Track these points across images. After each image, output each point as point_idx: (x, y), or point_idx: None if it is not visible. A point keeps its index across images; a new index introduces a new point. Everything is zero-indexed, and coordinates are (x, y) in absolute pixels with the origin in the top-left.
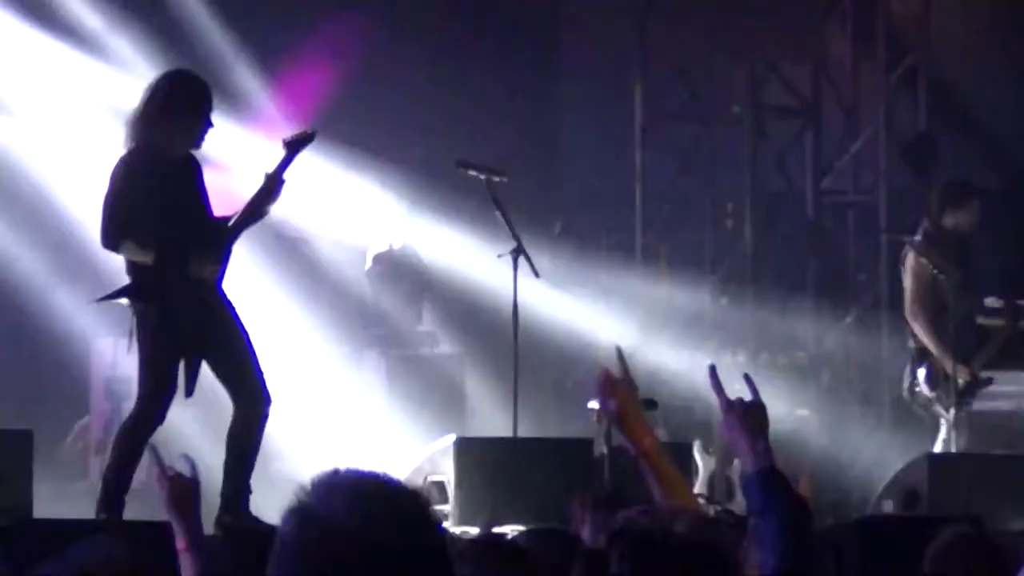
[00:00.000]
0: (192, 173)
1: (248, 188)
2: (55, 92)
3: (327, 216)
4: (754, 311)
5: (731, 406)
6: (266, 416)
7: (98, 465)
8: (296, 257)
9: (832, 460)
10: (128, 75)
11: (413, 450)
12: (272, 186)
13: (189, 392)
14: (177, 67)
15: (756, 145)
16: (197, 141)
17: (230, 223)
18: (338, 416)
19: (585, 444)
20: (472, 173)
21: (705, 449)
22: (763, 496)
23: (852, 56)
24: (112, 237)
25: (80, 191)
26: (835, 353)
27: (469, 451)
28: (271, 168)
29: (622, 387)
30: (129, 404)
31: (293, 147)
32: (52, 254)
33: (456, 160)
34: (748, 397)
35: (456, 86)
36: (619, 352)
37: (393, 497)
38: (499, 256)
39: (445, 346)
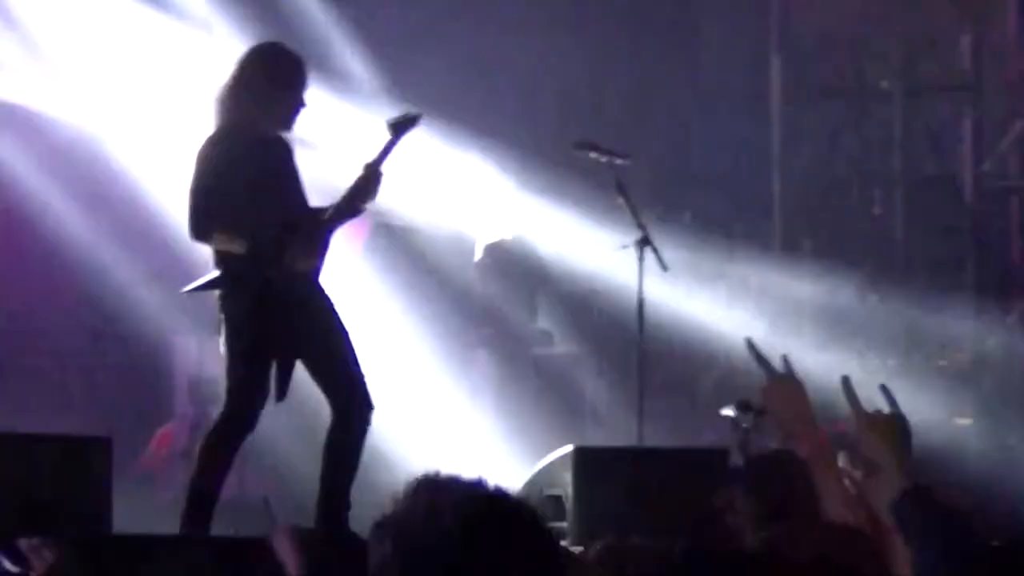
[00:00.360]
0: (284, 156)
1: (348, 173)
2: (137, 67)
3: (433, 204)
4: (906, 308)
5: (870, 421)
6: (368, 423)
7: (182, 475)
8: (399, 248)
9: (996, 474)
10: (216, 47)
11: (527, 461)
12: (375, 171)
13: (281, 395)
14: (269, 40)
15: (909, 125)
16: (289, 122)
17: (329, 211)
18: (444, 422)
19: (719, 455)
20: (593, 155)
21: (851, 463)
22: (914, 520)
23: (1017, 26)
24: (201, 226)
25: (164, 176)
26: (998, 355)
27: (589, 462)
28: (374, 152)
29: (788, 388)
30: (216, 408)
31: (397, 130)
32: (133, 244)
33: (575, 141)
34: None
35: (575, 60)
36: (785, 359)
37: (500, 508)
38: (623, 247)
39: (562, 346)
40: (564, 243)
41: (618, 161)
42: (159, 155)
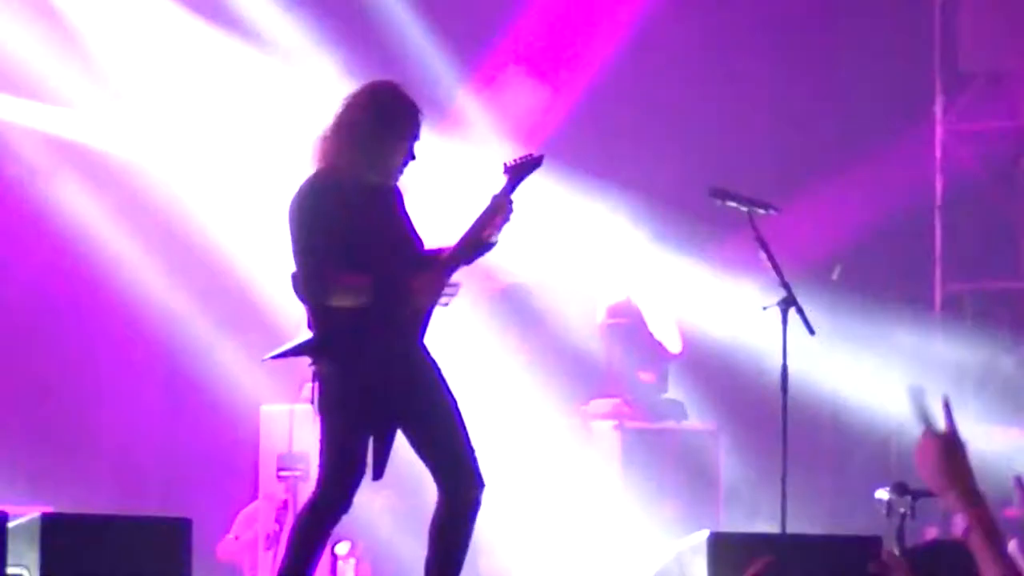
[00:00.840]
0: (393, 201)
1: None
2: (225, 105)
3: (550, 258)
4: None
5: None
6: (478, 503)
7: (269, 562)
8: (512, 308)
9: None
10: (311, 80)
11: (656, 547)
12: (498, 208)
13: (378, 473)
14: (381, 79)
15: None
16: (396, 174)
17: (449, 252)
18: (561, 502)
19: (871, 543)
20: (731, 204)
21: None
22: None
23: None
24: (316, 280)
25: (248, 226)
26: None
27: (726, 550)
28: (492, 196)
29: (946, 446)
30: (307, 487)
31: (516, 173)
32: (216, 302)
33: (710, 188)
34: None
35: (715, 98)
36: (946, 405)
37: None
38: (764, 308)
39: (695, 419)
40: (698, 302)
41: (759, 211)
42: (243, 203)
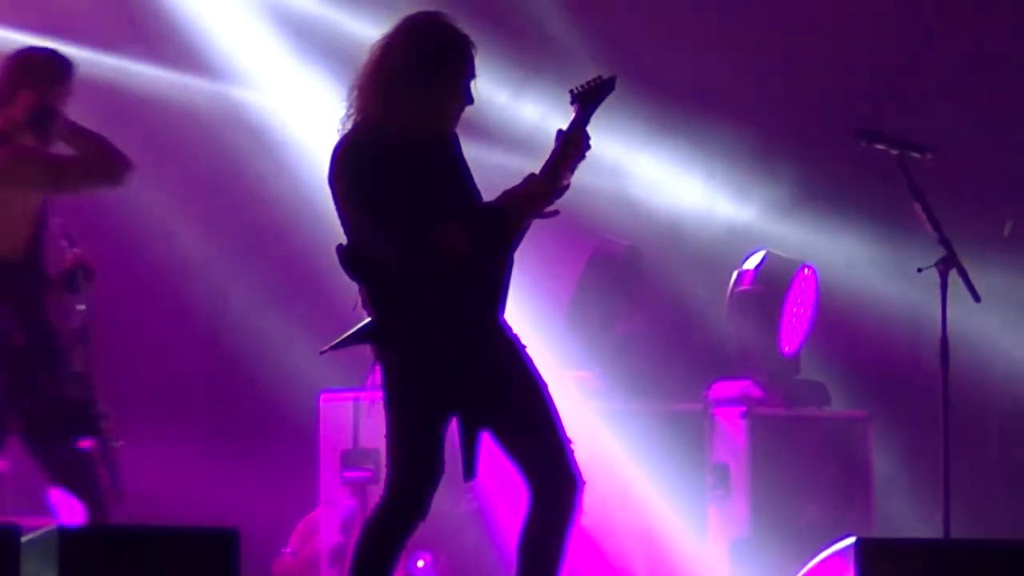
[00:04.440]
0: (448, 156)
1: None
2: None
3: (664, 218)
4: None
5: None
6: (576, 506)
7: None
8: (620, 275)
9: None
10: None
11: (794, 555)
12: (573, 139)
13: (469, 472)
14: (420, 12)
15: None
16: (451, 121)
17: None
18: (677, 504)
19: None
20: (880, 147)
21: None
22: None
23: None
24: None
25: (303, 193)
26: None
27: (878, 559)
28: (561, 131)
29: None
30: (377, 491)
31: (586, 100)
32: (273, 283)
33: (857, 129)
34: None
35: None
36: None
37: None
38: (919, 271)
39: (838, 404)
40: (841, 265)
41: (914, 155)
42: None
